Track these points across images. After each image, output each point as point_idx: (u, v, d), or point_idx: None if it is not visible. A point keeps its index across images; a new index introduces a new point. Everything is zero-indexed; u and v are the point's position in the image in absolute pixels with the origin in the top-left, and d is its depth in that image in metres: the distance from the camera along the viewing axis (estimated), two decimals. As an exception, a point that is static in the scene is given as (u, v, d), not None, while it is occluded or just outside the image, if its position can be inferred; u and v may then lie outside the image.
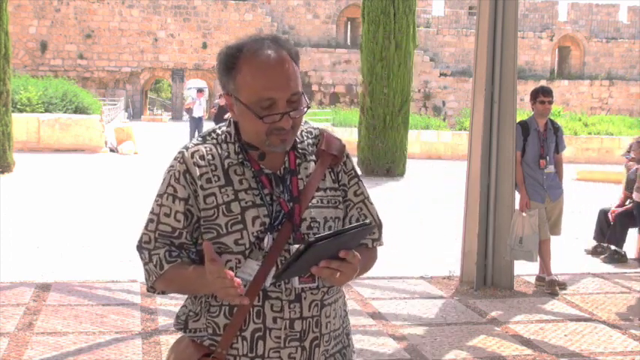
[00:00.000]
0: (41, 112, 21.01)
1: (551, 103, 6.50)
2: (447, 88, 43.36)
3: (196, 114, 22.03)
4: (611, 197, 9.80)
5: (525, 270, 6.85)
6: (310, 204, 1.87)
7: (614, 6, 46.64)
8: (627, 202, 8.30)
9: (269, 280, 1.80)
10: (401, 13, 15.86)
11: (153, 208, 1.89)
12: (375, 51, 15.92)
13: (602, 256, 7.96)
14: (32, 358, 4.44)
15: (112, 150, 20.81)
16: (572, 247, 8.45)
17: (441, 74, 43.39)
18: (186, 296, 1.97)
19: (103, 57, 42.23)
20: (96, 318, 5.24)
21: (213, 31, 42.99)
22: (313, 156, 1.92)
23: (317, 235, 1.67)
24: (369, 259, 2.00)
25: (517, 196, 6.53)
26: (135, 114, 41.52)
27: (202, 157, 1.85)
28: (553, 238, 6.70)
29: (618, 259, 7.85)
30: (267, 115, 1.77)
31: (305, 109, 1.81)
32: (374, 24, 15.92)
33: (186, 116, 45.49)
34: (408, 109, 16.37)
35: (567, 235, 7.90)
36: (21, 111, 20.42)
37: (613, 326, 5.50)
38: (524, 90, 31.54)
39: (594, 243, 8.30)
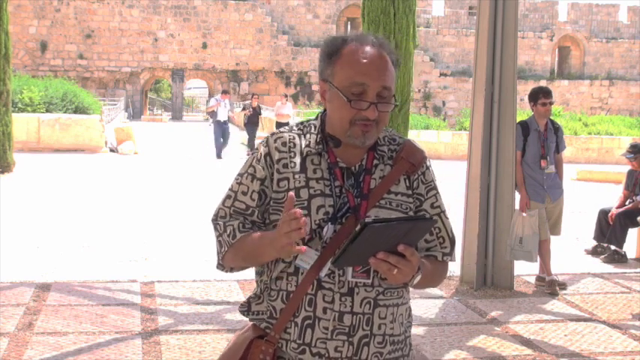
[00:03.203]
0: (42, 112, 21.00)
1: (552, 104, 6.49)
2: (447, 88, 43.37)
3: (221, 117, 19.85)
4: (611, 197, 9.79)
5: (525, 270, 6.85)
6: (378, 204, 1.89)
7: (614, 6, 46.64)
8: (627, 202, 8.29)
9: (324, 271, 1.84)
10: (401, 13, 15.79)
11: (232, 186, 1.99)
12: (375, 51, 15.93)
13: (602, 256, 7.96)
14: (32, 358, 4.44)
15: (112, 150, 20.79)
16: (572, 247, 8.45)
17: (441, 74, 43.40)
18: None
19: (103, 57, 42.22)
20: (96, 318, 5.23)
21: (213, 31, 42.99)
22: (391, 161, 1.95)
23: (374, 217, 1.68)
24: (437, 271, 1.97)
25: (517, 196, 6.53)
26: (135, 114, 41.49)
27: (284, 144, 1.94)
28: (553, 238, 6.70)
29: (618, 259, 7.85)
30: (355, 100, 1.84)
31: (392, 107, 1.86)
32: (374, 24, 15.85)
33: (187, 117, 45.55)
34: (408, 109, 16.25)
35: (567, 235, 7.90)
36: (21, 111, 20.41)
37: (613, 326, 5.49)
38: (524, 90, 31.41)
39: (594, 243, 8.30)
